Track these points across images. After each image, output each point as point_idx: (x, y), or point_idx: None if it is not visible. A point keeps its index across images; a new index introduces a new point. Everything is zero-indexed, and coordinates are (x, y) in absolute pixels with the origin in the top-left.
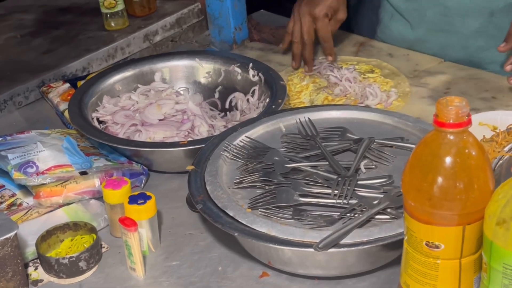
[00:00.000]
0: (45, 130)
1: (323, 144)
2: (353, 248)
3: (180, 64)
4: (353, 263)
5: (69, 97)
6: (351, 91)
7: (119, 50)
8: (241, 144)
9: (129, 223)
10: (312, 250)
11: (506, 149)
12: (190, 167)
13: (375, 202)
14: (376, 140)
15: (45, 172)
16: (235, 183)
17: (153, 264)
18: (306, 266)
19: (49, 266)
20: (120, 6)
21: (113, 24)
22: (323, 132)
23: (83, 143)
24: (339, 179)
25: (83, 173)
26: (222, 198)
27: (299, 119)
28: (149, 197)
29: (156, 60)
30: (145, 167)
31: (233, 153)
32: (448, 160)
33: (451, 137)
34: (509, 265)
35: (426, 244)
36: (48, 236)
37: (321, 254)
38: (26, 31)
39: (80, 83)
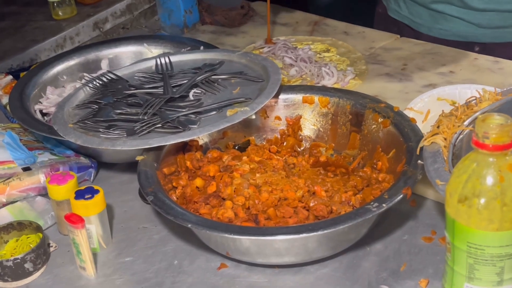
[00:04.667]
0: None
1: (173, 79)
2: (312, 234)
3: (128, 50)
4: (313, 249)
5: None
6: (307, 72)
7: (68, 40)
8: (101, 77)
9: (76, 220)
10: (271, 238)
11: (466, 123)
12: (139, 158)
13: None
14: (218, 75)
15: None
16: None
17: (105, 261)
18: (266, 254)
19: None
20: None
21: (60, 13)
22: (184, 71)
23: (26, 137)
24: (152, 99)
25: (27, 169)
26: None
27: (158, 58)
28: (97, 191)
29: (102, 47)
30: (93, 160)
31: (92, 84)
32: None
33: None
34: (473, 243)
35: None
36: None
37: (280, 241)
38: None
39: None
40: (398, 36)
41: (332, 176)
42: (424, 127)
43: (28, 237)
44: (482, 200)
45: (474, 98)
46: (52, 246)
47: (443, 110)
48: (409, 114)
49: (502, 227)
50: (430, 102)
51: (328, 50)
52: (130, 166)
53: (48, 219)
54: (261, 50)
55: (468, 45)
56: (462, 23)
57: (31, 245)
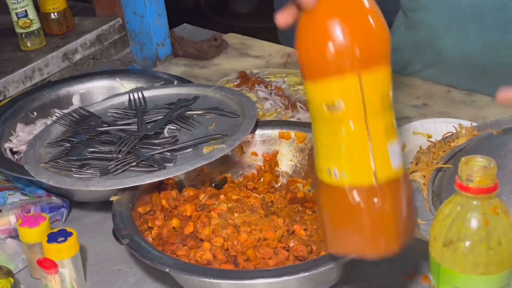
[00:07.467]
0: None
1: (147, 115)
2: (294, 276)
3: (100, 85)
4: None
5: None
6: (281, 105)
7: (37, 71)
8: (73, 113)
9: (49, 265)
10: (251, 281)
11: (444, 159)
12: (114, 198)
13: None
14: (192, 110)
15: None
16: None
17: None
18: None
19: None
20: (36, 25)
21: (29, 44)
22: (158, 107)
23: None
24: (126, 137)
25: None
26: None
27: (131, 94)
28: (70, 234)
29: (74, 82)
30: (65, 199)
31: (63, 121)
32: None
33: None
34: None
35: (326, 107)
36: None
37: (261, 284)
38: None
39: None
40: None
41: (310, 213)
42: None
43: None
44: (467, 244)
45: (450, 133)
46: None
47: (420, 147)
48: None
49: (488, 271)
50: (406, 136)
51: (302, 83)
52: (103, 204)
53: (19, 262)
54: (235, 83)
55: None
56: None
57: None
